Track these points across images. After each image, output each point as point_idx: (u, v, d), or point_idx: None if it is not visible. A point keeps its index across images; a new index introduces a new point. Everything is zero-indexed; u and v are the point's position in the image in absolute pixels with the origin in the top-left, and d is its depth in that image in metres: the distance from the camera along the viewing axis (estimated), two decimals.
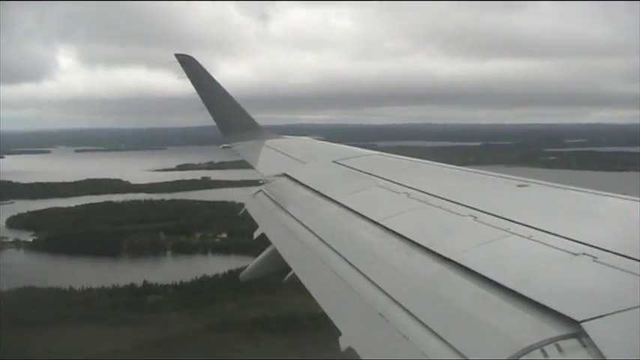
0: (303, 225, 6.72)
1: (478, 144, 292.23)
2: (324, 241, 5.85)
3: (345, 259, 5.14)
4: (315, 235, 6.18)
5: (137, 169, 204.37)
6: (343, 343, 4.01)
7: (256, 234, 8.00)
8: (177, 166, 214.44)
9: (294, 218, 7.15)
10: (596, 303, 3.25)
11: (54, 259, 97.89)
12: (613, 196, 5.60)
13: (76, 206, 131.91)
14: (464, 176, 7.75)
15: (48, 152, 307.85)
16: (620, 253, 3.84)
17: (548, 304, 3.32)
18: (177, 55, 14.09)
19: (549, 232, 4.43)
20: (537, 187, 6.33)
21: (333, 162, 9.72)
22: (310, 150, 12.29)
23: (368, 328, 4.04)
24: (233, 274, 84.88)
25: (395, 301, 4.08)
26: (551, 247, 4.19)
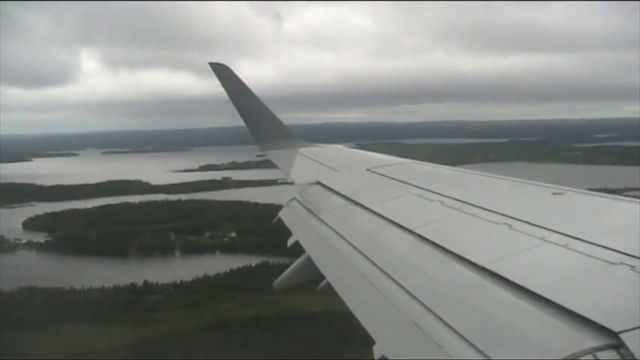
0: (336, 233, 6.67)
1: (505, 140, 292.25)
2: (357, 250, 5.82)
3: (379, 268, 5.12)
4: (349, 243, 6.14)
5: (160, 170, 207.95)
6: (377, 352, 4.00)
7: (290, 242, 7.97)
8: (200, 167, 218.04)
9: (328, 226, 7.11)
10: (634, 313, 3.15)
11: (63, 259, 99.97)
12: None
13: (93, 207, 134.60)
14: (498, 184, 7.65)
15: (76, 155, 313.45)
16: None
17: (585, 314, 3.23)
18: (211, 64, 14.18)
19: (586, 241, 4.34)
20: (573, 195, 6.25)
21: (367, 170, 9.66)
22: (344, 158, 12.31)
23: (402, 338, 4.06)
24: (235, 273, 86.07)
25: (429, 310, 4.04)
26: (588, 255, 4.10)
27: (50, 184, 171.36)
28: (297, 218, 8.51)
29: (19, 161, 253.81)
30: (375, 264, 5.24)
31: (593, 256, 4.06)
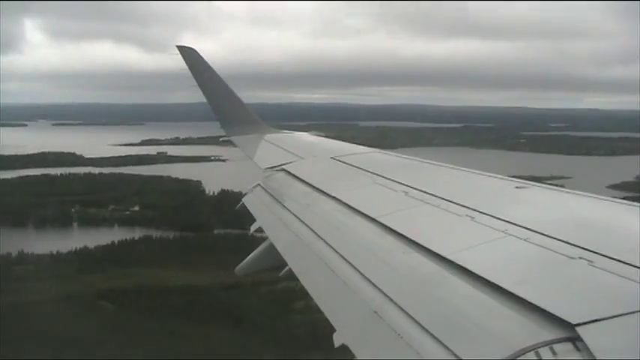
0: (300, 220, 6.74)
1: (458, 126, 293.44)
2: (320, 237, 5.87)
3: (342, 256, 5.16)
4: (312, 230, 6.19)
5: (102, 143, 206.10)
6: (337, 339, 4.04)
7: (253, 228, 8.05)
8: (142, 141, 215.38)
9: (292, 213, 7.18)
10: (591, 307, 3.26)
11: None
12: (612, 201, 5.72)
13: (11, 178, 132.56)
14: (462, 176, 7.74)
15: (25, 125, 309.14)
16: (616, 258, 3.86)
17: (543, 307, 3.32)
18: (178, 47, 14.23)
19: (546, 235, 4.45)
20: (535, 190, 6.36)
21: (332, 158, 9.76)
22: (309, 146, 12.52)
23: (362, 326, 4.06)
24: (115, 246, 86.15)
25: (390, 300, 4.08)
26: (548, 249, 4.20)
27: None
28: (261, 204, 8.59)
29: None
30: (337, 252, 5.31)
31: (553, 250, 4.17)
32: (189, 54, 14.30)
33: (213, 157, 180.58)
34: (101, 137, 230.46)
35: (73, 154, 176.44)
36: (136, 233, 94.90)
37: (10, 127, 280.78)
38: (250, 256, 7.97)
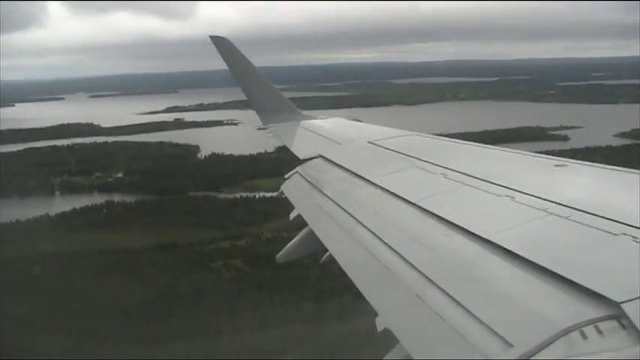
0: (339, 206, 6.77)
1: (496, 79, 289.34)
2: (360, 222, 5.91)
3: (382, 240, 5.20)
4: (352, 215, 6.23)
5: (129, 112, 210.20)
6: (380, 324, 4.07)
7: (292, 215, 8.11)
8: (166, 109, 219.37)
9: (330, 199, 7.21)
10: (636, 284, 3.23)
11: None
12: None
13: (17, 151, 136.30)
14: (501, 156, 7.85)
15: (62, 99, 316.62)
16: None
17: (587, 285, 3.34)
18: (211, 37, 14.18)
19: (588, 212, 4.45)
20: (575, 167, 6.37)
21: (369, 143, 9.77)
22: (345, 131, 12.54)
23: (405, 310, 4.12)
24: (77, 211, 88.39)
25: (432, 282, 4.13)
26: (590, 227, 4.22)
27: (6, 127, 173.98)
28: (299, 191, 8.66)
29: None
30: (377, 236, 5.32)
31: (595, 227, 4.17)
32: (221, 44, 14.16)
33: (225, 122, 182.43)
34: (131, 106, 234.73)
35: (91, 125, 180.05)
36: (114, 198, 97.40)
37: (49, 102, 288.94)
38: (290, 243, 7.96)
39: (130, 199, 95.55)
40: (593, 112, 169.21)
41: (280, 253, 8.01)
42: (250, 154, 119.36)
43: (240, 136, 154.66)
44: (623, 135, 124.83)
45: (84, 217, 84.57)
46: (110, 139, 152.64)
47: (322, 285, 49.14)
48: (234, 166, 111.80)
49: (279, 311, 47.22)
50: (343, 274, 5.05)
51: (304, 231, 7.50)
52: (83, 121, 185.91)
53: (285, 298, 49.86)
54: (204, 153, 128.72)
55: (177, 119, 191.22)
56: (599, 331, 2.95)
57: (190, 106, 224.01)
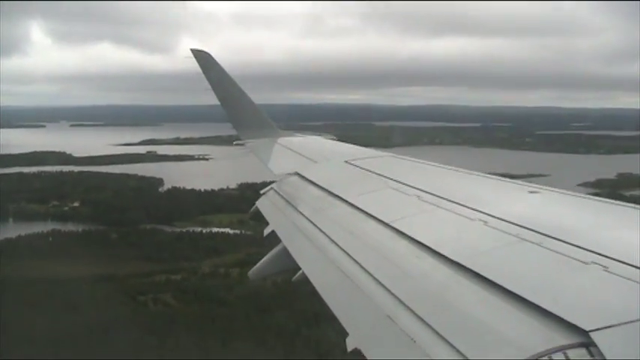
0: (313, 224, 6.74)
1: (477, 125, 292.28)
2: (333, 241, 5.89)
3: (355, 260, 5.19)
4: (325, 234, 6.21)
5: (104, 143, 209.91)
6: (350, 344, 4.07)
7: (266, 231, 8.08)
8: (141, 141, 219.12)
9: (305, 217, 7.20)
10: (605, 313, 3.25)
11: None
12: (627, 206, 5.68)
13: None
14: (476, 180, 7.81)
15: (43, 127, 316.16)
16: (630, 263, 3.85)
17: (556, 312, 3.32)
18: (192, 50, 14.22)
19: (560, 240, 4.43)
20: (548, 194, 6.38)
21: (346, 162, 9.78)
22: (323, 149, 12.50)
23: (375, 330, 4.11)
24: (23, 240, 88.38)
25: (403, 304, 4.12)
26: (562, 254, 4.20)
27: None
28: (274, 208, 8.66)
29: None
30: (350, 256, 5.32)
31: (566, 255, 4.15)
32: (202, 57, 14.26)
33: (197, 156, 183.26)
34: (109, 137, 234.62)
35: (63, 153, 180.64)
36: (67, 227, 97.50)
37: (29, 129, 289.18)
38: (263, 259, 7.91)
39: (80, 228, 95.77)
40: (565, 161, 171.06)
41: (253, 270, 8.00)
42: (212, 190, 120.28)
43: (207, 171, 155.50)
44: (586, 184, 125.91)
45: (28, 245, 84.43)
46: (78, 168, 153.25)
47: (238, 325, 49.60)
48: (193, 201, 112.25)
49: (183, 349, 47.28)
50: (315, 292, 5.07)
51: (277, 248, 7.52)
52: (57, 149, 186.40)
53: (191, 336, 49.86)
54: (166, 186, 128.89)
55: (150, 152, 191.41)
56: (568, 358, 2.97)
57: (167, 139, 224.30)
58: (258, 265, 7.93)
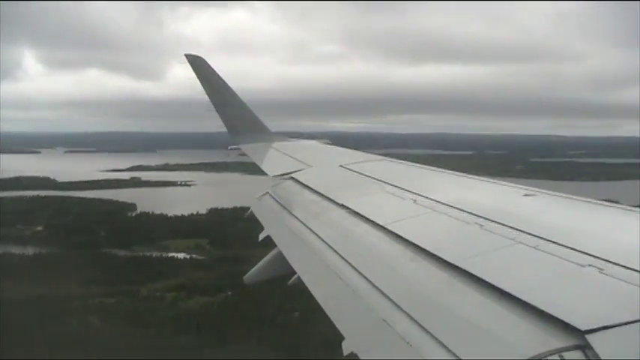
0: (308, 228, 6.77)
1: (470, 153, 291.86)
2: (329, 245, 5.91)
3: (351, 264, 5.20)
4: (321, 238, 6.23)
5: (94, 169, 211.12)
6: (346, 348, 4.04)
7: (261, 236, 8.02)
8: (130, 167, 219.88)
9: (300, 221, 7.24)
10: (601, 315, 3.26)
11: None
12: (620, 208, 5.77)
13: None
14: (471, 184, 7.86)
15: (38, 153, 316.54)
16: (625, 265, 3.87)
17: (553, 314, 3.34)
18: (186, 56, 14.27)
19: (555, 242, 4.46)
20: (544, 197, 6.42)
21: (341, 166, 9.87)
22: (318, 154, 12.73)
23: (371, 334, 4.12)
24: None
25: (399, 307, 4.11)
26: (558, 257, 4.22)
27: None
28: (269, 212, 8.68)
29: None
30: (346, 260, 5.33)
31: (562, 258, 4.18)
32: (197, 63, 14.29)
33: (180, 182, 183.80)
34: (99, 163, 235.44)
35: (47, 179, 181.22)
36: (26, 251, 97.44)
37: (24, 154, 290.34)
38: (258, 264, 7.96)
39: (33, 252, 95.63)
40: (550, 187, 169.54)
41: (248, 274, 8.00)
42: (182, 215, 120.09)
43: (185, 196, 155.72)
44: None
45: None
46: (56, 193, 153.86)
47: (145, 344, 49.56)
48: (158, 226, 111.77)
49: None
50: (311, 296, 5.05)
51: (273, 252, 7.55)
52: (44, 174, 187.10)
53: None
54: (136, 212, 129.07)
55: (134, 178, 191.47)
56: None
57: (155, 165, 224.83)
58: (253, 269, 8.00)
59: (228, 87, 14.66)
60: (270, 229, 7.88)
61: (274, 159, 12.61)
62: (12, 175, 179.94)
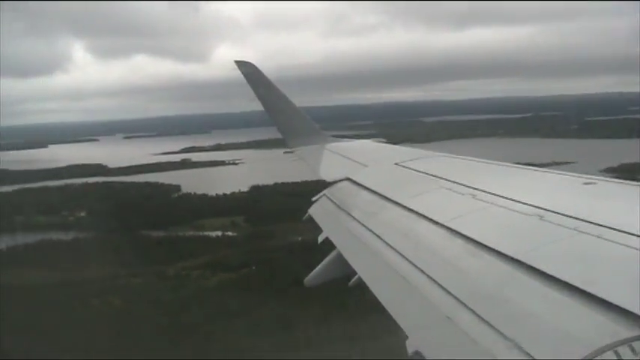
0: (367, 228, 6.79)
1: (526, 115, 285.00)
2: (388, 244, 5.92)
3: (411, 262, 5.20)
4: (380, 238, 6.24)
5: (146, 153, 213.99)
6: (410, 346, 4.00)
7: (320, 238, 8.10)
8: (182, 149, 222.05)
9: (358, 222, 7.26)
10: None
11: None
12: None
13: (6, 192, 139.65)
14: (529, 175, 7.83)
15: (96, 140, 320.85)
16: None
17: (620, 304, 3.27)
18: (237, 62, 14.40)
19: (619, 230, 4.36)
20: (604, 185, 6.32)
21: (396, 164, 9.81)
22: (372, 153, 12.70)
23: (435, 332, 4.08)
24: (10, 249, 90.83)
25: (462, 304, 4.10)
26: (621, 245, 4.13)
27: (23, 168, 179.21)
28: (327, 214, 8.73)
29: (33, 148, 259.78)
30: (406, 258, 5.33)
31: (626, 245, 4.08)
32: (247, 69, 14.38)
33: (228, 161, 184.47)
34: (154, 147, 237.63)
35: (100, 165, 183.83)
36: (68, 236, 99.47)
37: (83, 143, 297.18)
38: (319, 266, 7.94)
39: (72, 237, 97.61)
40: (600, 147, 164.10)
41: (309, 277, 7.96)
42: (224, 194, 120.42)
43: (230, 175, 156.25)
44: (608, 170, 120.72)
45: (10, 254, 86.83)
46: (105, 179, 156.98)
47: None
48: (198, 205, 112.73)
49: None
50: (372, 296, 5.07)
51: (332, 254, 7.55)
52: (98, 161, 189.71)
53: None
54: (182, 192, 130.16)
55: (185, 159, 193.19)
56: (634, 350, 2.92)
57: (207, 146, 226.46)
58: (313, 272, 7.97)
59: (279, 91, 14.60)
60: (328, 231, 7.92)
61: (329, 160, 12.63)
62: (63, 164, 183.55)
